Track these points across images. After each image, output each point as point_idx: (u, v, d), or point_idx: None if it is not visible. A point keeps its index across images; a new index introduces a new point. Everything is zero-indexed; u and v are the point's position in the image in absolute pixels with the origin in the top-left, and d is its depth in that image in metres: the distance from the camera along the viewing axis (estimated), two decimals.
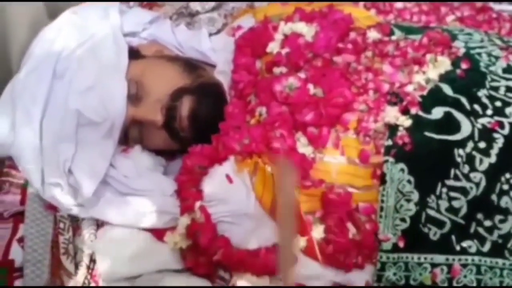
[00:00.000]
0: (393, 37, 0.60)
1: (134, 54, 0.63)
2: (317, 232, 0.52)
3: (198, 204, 0.54)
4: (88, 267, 0.56)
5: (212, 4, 0.74)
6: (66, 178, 0.56)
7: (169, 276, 0.55)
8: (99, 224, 0.57)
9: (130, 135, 0.60)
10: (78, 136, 0.57)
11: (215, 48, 0.66)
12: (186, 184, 0.56)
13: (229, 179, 0.54)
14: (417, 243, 0.52)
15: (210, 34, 0.69)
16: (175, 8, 0.75)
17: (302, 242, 0.52)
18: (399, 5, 0.71)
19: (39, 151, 0.57)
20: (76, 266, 0.56)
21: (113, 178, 0.58)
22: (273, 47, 0.60)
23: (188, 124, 0.59)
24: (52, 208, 0.58)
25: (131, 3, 0.74)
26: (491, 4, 0.74)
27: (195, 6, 0.73)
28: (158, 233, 0.56)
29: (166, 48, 0.67)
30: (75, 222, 0.58)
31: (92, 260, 0.56)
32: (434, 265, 0.52)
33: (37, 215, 0.57)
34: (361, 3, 0.70)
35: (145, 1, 0.76)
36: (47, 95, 0.58)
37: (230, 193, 0.54)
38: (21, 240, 0.56)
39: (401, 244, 0.52)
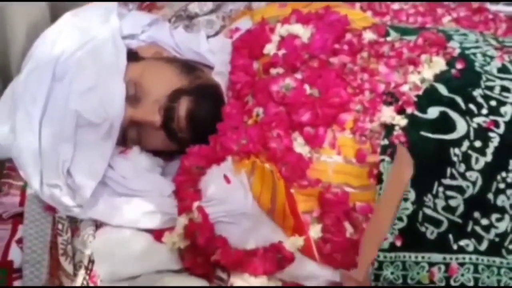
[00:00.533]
0: (389, 38, 0.60)
1: (133, 56, 0.64)
2: (315, 231, 0.52)
3: (196, 204, 0.55)
4: (87, 268, 0.56)
5: (210, 6, 0.74)
6: (64, 179, 0.57)
7: (168, 277, 0.55)
8: (97, 225, 0.58)
9: (129, 136, 0.61)
10: (77, 137, 0.57)
11: (212, 50, 0.66)
12: (184, 185, 0.56)
13: (227, 179, 0.54)
14: (414, 242, 0.52)
15: (209, 36, 0.70)
16: (174, 11, 0.75)
17: (299, 241, 0.52)
18: (395, 6, 0.72)
19: (38, 153, 0.57)
20: (75, 267, 0.56)
21: (111, 179, 0.58)
22: (270, 48, 0.61)
23: (186, 125, 0.59)
24: (51, 209, 0.58)
25: (130, 6, 0.75)
26: (488, 5, 0.75)
27: (193, 8, 0.74)
28: (156, 234, 0.57)
29: (164, 50, 0.67)
30: (74, 223, 0.58)
31: (91, 261, 0.56)
32: (431, 264, 0.52)
33: (36, 216, 0.58)
34: (358, 5, 0.71)
35: (147, 1, 0.77)
36: (47, 97, 0.58)
37: (228, 193, 0.54)
38: (20, 241, 0.56)
39: (398, 243, 0.52)
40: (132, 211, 0.57)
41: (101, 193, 0.58)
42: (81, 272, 0.56)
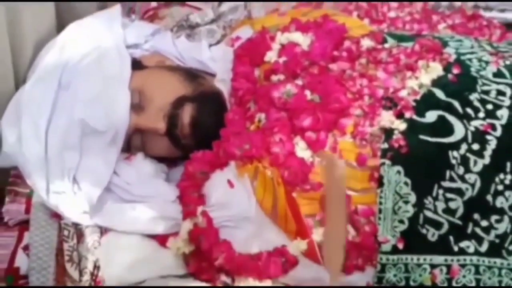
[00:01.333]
0: (386, 45, 0.62)
1: (137, 65, 0.65)
2: (318, 234, 0.53)
3: (200, 209, 0.55)
4: (92, 274, 0.56)
5: (211, 16, 0.76)
6: (70, 186, 0.57)
7: (173, 282, 0.55)
8: (102, 231, 0.58)
9: (133, 143, 0.62)
10: (82, 145, 0.58)
11: (214, 58, 0.68)
12: (188, 190, 0.57)
13: (230, 184, 0.55)
14: (416, 244, 0.53)
15: (210, 45, 0.72)
16: (176, 21, 0.77)
17: (303, 245, 0.53)
18: (392, 14, 0.74)
19: (44, 160, 0.58)
20: (80, 273, 0.56)
21: (116, 185, 0.59)
22: (270, 56, 0.62)
23: (190, 131, 0.60)
24: (56, 216, 0.59)
25: (133, 16, 0.77)
26: (482, 12, 0.77)
27: (194, 18, 0.76)
28: (161, 239, 0.57)
29: (167, 58, 0.69)
30: (79, 229, 0.58)
31: (96, 267, 0.56)
32: (433, 266, 0.53)
33: (42, 223, 0.58)
34: (355, 13, 0.72)
35: (164, 0, 0.78)
36: (53, 105, 0.59)
37: (232, 197, 0.55)
38: (26, 248, 0.57)
39: (400, 246, 0.53)
40: (136, 217, 0.58)
41: (106, 200, 0.58)
42: (87, 278, 0.56)
